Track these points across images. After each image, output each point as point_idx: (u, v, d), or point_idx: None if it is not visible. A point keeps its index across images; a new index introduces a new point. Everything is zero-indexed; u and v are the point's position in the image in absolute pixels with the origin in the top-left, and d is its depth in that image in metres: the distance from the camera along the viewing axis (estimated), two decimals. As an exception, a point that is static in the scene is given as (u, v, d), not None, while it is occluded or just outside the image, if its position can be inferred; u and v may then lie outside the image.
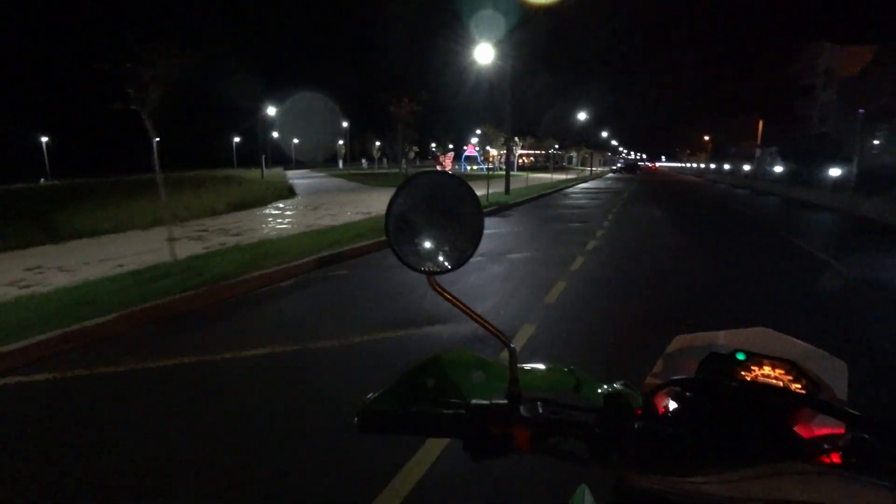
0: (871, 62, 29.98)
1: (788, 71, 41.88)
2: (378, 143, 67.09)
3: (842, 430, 0.61)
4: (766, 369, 0.75)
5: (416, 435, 0.61)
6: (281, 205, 16.55)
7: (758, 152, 46.31)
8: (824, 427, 0.63)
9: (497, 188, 19.02)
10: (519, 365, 0.65)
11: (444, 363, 0.67)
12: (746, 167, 40.65)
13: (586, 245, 9.05)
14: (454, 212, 0.65)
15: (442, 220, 0.65)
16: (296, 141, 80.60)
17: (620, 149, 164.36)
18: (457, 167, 49.59)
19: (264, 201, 17.03)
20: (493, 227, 11.18)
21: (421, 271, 0.63)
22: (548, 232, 11.28)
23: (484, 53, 19.18)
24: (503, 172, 23.73)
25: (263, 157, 40.16)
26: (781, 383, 0.73)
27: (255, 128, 43.50)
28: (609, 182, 37.17)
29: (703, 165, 72.39)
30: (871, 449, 0.55)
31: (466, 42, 21.29)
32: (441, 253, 0.64)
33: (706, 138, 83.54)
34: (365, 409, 0.61)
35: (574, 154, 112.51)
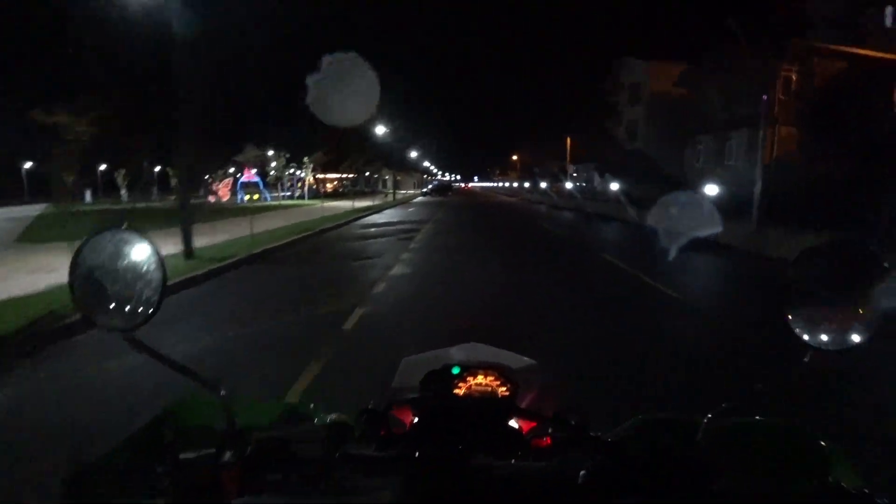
0: (680, 77, 27.10)
1: (597, 88, 39.68)
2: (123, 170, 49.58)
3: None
4: (479, 378, 0.89)
5: (130, 497, 0.59)
6: None
7: (571, 169, 43.64)
8: (534, 418, 0.74)
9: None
10: (250, 399, 0.69)
11: (177, 412, 0.67)
12: (569, 185, 36.64)
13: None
14: (137, 267, 0.64)
15: (127, 275, 0.63)
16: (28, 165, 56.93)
17: (435, 170, 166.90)
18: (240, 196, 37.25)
19: None
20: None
21: (112, 329, 0.62)
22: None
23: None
24: (307, 202, 19.31)
25: None
26: (490, 388, 0.88)
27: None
28: (414, 208, 29.42)
29: (515, 184, 71.36)
30: (565, 431, 0.66)
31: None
32: (129, 308, 0.63)
33: (514, 157, 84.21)
34: (73, 479, 0.58)
35: (388, 177, 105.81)
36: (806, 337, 0.59)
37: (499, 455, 0.64)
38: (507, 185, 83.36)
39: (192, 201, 10.89)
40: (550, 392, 0.98)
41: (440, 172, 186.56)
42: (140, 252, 0.64)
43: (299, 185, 49.71)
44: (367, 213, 23.23)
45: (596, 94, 40.88)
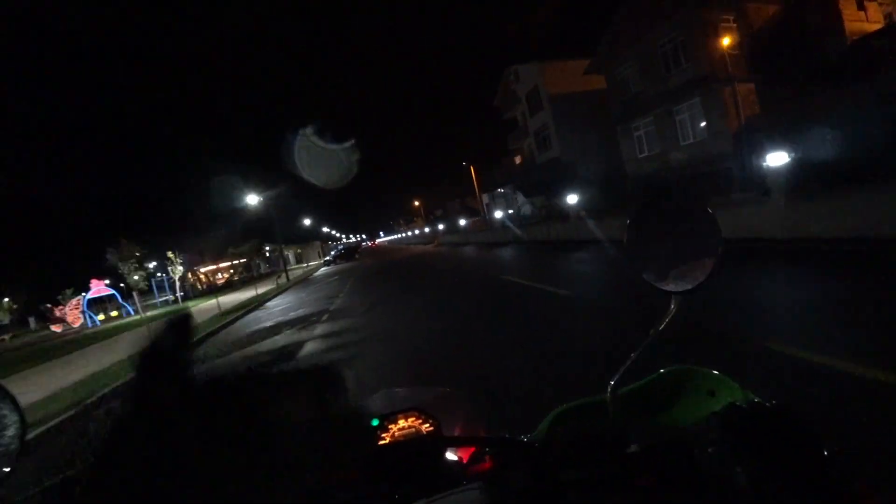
0: (591, 65, 23.55)
1: (490, 108, 36.03)
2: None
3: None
4: (401, 422, 0.86)
5: None
6: None
7: (486, 198, 39.36)
8: (469, 444, 0.78)
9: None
10: None
11: None
12: (498, 213, 32.02)
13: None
14: None
15: None
16: None
17: (337, 234, 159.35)
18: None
19: None
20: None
21: None
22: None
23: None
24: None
25: None
26: (414, 429, 0.85)
27: None
28: (315, 286, 22.13)
29: (426, 230, 66.32)
30: (502, 450, 0.68)
31: None
32: None
33: (416, 203, 79.87)
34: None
35: (289, 253, 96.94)
36: (663, 286, 0.66)
37: (443, 487, 0.63)
38: (415, 232, 78.48)
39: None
40: (474, 415, 0.98)
41: (343, 236, 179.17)
42: None
43: (174, 284, 40.63)
44: (243, 311, 16.12)
45: (491, 114, 37.68)
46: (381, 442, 0.85)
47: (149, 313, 27.91)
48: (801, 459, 0.49)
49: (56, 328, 29.38)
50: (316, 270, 39.17)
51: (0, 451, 0.56)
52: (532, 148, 32.50)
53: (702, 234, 0.65)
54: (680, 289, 0.66)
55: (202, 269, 44.35)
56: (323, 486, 0.56)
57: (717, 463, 0.52)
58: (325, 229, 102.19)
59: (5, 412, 0.58)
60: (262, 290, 24.22)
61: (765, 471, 0.48)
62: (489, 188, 38.96)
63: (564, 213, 21.73)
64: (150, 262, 33.93)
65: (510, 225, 25.30)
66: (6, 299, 39.02)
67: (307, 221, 59.08)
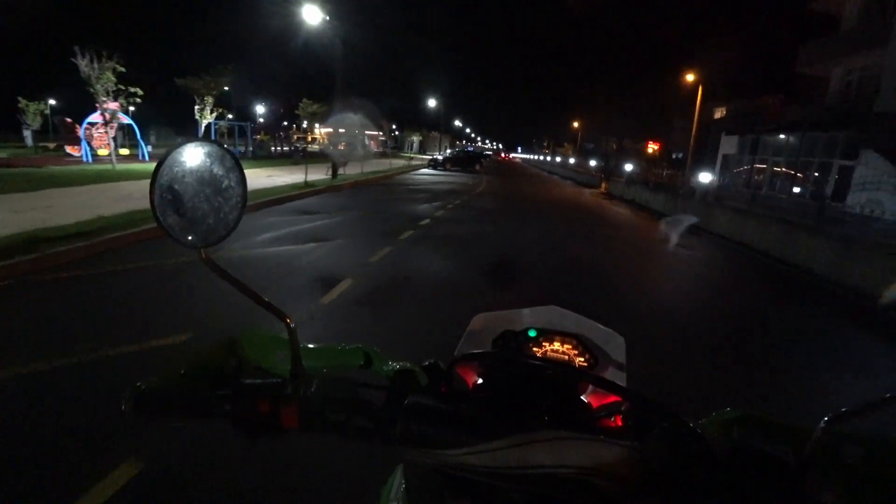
0: None
1: None
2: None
3: (620, 398, 0.68)
4: (556, 344, 0.85)
5: (188, 418, 0.60)
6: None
7: (728, 145, 24.47)
8: (609, 395, 0.71)
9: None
10: (305, 345, 0.65)
11: (241, 343, 0.65)
12: (706, 177, 17.02)
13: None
14: (218, 182, 0.62)
15: (206, 190, 0.62)
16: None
17: (475, 136, 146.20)
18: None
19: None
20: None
21: (190, 245, 0.61)
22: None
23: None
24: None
25: None
26: (567, 357, 0.84)
27: None
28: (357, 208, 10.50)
29: (570, 160, 51.05)
30: (643, 414, 0.62)
31: None
32: (206, 225, 0.62)
33: (574, 125, 63.74)
34: (136, 393, 0.58)
35: (416, 139, 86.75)
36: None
37: (563, 427, 0.56)
38: (556, 159, 62.80)
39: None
40: (622, 367, 0.89)
41: (478, 137, 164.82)
42: (222, 166, 0.62)
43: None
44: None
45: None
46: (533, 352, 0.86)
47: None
48: None
49: (73, 150, 21.35)
50: (407, 171, 27.71)
51: (220, 216, 0.62)
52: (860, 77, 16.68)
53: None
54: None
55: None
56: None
57: None
58: (458, 123, 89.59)
59: (233, 183, 0.62)
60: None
61: None
62: (735, 130, 23.68)
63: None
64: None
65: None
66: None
67: (432, 103, 47.24)
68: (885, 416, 0.53)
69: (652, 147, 64.51)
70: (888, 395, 0.51)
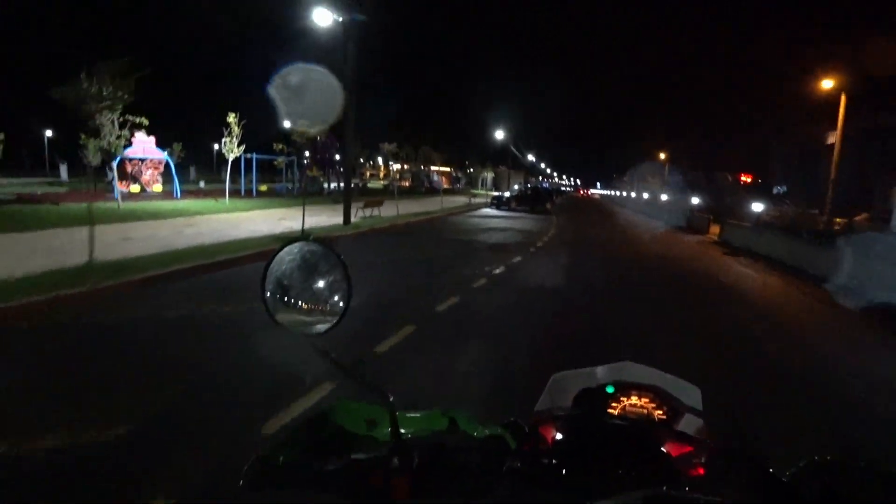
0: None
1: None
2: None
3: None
4: (634, 399, 0.86)
5: (302, 490, 0.62)
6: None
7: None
8: (690, 445, 0.71)
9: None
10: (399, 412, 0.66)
11: (338, 414, 0.69)
12: None
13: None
14: (324, 277, 0.68)
15: (313, 284, 0.67)
16: None
17: (549, 171, 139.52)
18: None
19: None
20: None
21: (302, 334, 0.66)
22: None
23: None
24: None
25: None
26: (646, 411, 0.85)
27: None
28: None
29: (663, 196, 43.64)
30: (727, 463, 0.63)
31: None
32: (315, 316, 0.66)
33: (661, 156, 57.36)
34: (253, 466, 0.61)
35: (489, 175, 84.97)
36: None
37: (648, 482, 0.61)
38: (644, 195, 55.55)
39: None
40: (707, 420, 0.89)
41: (554, 172, 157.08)
42: (326, 263, 0.67)
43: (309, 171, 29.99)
44: None
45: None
46: (611, 410, 0.86)
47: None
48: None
49: (123, 186, 20.17)
50: (461, 212, 23.83)
51: (327, 309, 0.66)
52: None
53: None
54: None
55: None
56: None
57: None
58: (532, 158, 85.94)
59: (339, 279, 0.66)
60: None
61: None
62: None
63: None
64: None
65: None
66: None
67: (500, 135, 43.51)
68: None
69: (744, 179, 56.26)
70: None
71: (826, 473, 0.61)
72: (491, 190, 59.66)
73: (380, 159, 62.44)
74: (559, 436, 0.73)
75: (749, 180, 55.86)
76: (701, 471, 0.66)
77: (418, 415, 0.72)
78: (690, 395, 0.89)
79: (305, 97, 13.51)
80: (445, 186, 55.89)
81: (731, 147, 59.09)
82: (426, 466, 0.60)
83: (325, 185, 31.69)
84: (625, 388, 0.86)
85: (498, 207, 27.73)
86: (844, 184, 20.14)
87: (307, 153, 22.23)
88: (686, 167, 59.56)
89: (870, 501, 0.53)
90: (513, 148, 42.38)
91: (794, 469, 0.63)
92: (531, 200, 27.98)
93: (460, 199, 29.92)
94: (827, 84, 17.30)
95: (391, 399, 0.63)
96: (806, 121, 38.98)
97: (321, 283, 0.67)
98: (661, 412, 0.85)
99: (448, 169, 78.55)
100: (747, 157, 56.94)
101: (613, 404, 0.86)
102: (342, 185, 33.23)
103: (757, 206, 18.51)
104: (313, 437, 0.65)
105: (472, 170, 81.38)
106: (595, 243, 15.76)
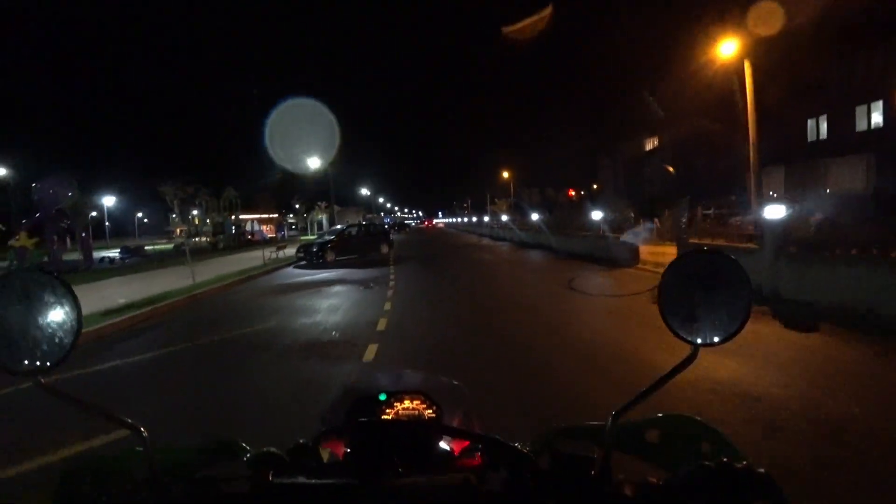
0: None
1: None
2: None
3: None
4: (406, 402, 0.94)
5: None
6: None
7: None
8: (466, 438, 0.77)
9: None
10: (159, 448, 0.64)
11: (99, 463, 0.66)
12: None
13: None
14: (51, 308, 0.61)
15: (37, 318, 0.60)
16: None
17: (390, 205, 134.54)
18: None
19: None
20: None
21: (25, 374, 0.59)
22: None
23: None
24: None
25: None
26: (417, 412, 0.93)
27: None
28: None
29: (504, 217, 38.00)
30: (492, 449, 0.68)
31: None
32: (41, 352, 0.60)
33: (505, 175, 54.92)
34: None
35: (324, 217, 75.84)
36: (686, 336, 0.65)
37: (429, 472, 0.65)
38: (482, 220, 51.18)
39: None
40: (475, 413, 1.02)
41: (396, 209, 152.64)
42: (54, 293, 0.61)
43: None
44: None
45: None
46: (385, 416, 0.92)
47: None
48: None
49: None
50: (260, 275, 15.43)
51: (55, 341, 0.60)
52: None
53: (731, 286, 0.65)
54: (706, 340, 0.65)
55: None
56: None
57: None
58: (364, 191, 79.20)
59: (67, 308, 0.60)
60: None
61: None
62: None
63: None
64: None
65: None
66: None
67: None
68: (659, 396, 0.65)
69: (571, 193, 57.03)
70: (658, 378, 0.64)
71: (552, 438, 0.72)
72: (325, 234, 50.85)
73: (194, 212, 52.43)
74: (346, 447, 0.77)
75: (573, 194, 57.14)
76: (478, 460, 0.72)
77: (185, 446, 0.70)
78: (458, 394, 1.04)
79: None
80: (270, 236, 46.24)
81: (561, 164, 60.33)
82: (185, 500, 0.59)
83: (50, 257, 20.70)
84: (397, 395, 0.95)
85: (310, 262, 18.45)
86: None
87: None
88: (520, 187, 59.31)
89: (584, 453, 0.64)
90: (330, 182, 34.11)
91: (535, 439, 0.74)
92: (358, 246, 20.30)
93: (258, 256, 20.49)
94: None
95: (144, 434, 0.61)
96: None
97: (45, 316, 0.59)
98: (430, 412, 0.94)
99: (274, 215, 68.08)
100: (577, 172, 58.18)
101: (388, 409, 0.94)
102: (83, 253, 22.20)
103: (597, 215, 16.79)
104: (67, 496, 0.62)
105: (307, 214, 71.92)
106: (470, 307, 8.67)
